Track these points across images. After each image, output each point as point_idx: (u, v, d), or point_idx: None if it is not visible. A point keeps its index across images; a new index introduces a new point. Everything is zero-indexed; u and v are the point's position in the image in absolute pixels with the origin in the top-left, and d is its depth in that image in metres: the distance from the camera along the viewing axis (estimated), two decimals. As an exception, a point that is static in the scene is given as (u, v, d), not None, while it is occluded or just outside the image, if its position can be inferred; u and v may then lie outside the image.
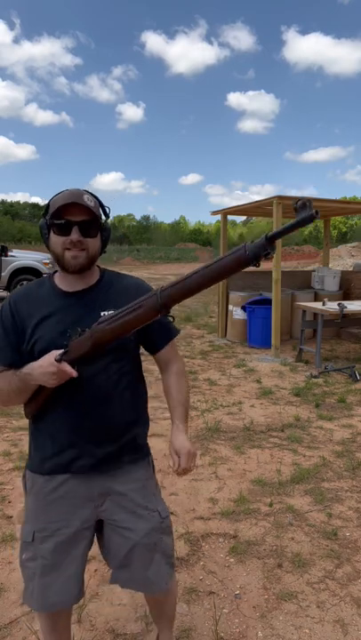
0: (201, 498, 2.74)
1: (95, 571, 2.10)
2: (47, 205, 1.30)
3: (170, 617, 1.62)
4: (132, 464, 1.40)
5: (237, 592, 2.01)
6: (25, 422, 3.91)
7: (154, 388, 3.10)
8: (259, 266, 0.98)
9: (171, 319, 1.14)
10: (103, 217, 1.33)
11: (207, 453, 3.33)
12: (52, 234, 1.28)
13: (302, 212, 0.92)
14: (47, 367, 1.19)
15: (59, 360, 1.18)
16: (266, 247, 0.96)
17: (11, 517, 2.54)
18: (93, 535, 1.41)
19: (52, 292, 1.34)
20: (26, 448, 3.37)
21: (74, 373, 1.19)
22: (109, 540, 1.39)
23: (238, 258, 0.99)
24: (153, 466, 1.50)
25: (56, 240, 1.27)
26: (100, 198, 1.35)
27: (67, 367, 1.18)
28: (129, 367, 1.36)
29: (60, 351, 1.19)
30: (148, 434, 1.48)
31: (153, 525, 1.38)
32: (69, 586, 1.35)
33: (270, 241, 0.96)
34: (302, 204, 0.91)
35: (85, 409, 1.31)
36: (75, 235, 1.25)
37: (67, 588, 1.35)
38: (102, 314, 1.27)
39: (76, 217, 1.24)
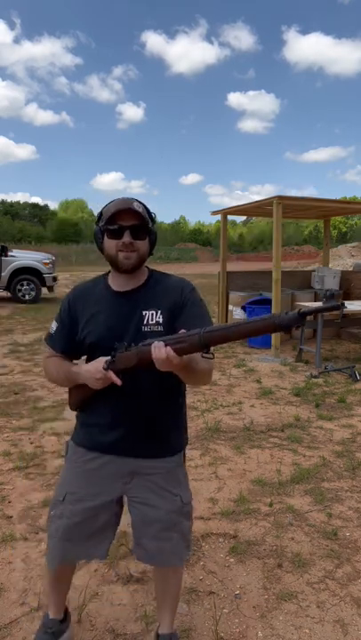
0: (201, 498, 2.74)
1: (95, 570, 2.11)
2: (100, 213, 1.44)
3: (173, 598, 1.66)
4: (159, 457, 1.51)
5: (237, 592, 2.01)
6: (25, 422, 3.93)
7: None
8: (290, 334, 1.13)
9: (211, 355, 1.23)
10: (150, 222, 1.45)
11: (207, 453, 3.33)
12: (105, 238, 1.42)
13: (331, 301, 1.18)
14: (94, 373, 1.36)
15: (105, 368, 1.33)
16: (298, 321, 1.12)
17: (11, 517, 2.54)
18: (120, 509, 1.56)
19: (104, 290, 1.49)
20: (26, 448, 3.38)
21: (119, 382, 1.33)
22: (135, 514, 1.52)
23: (269, 325, 1.15)
24: (184, 457, 1.60)
25: (110, 243, 1.41)
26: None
27: (112, 376, 1.33)
28: (169, 377, 1.41)
29: (108, 359, 1.34)
30: None
31: (174, 508, 1.50)
32: (88, 541, 1.52)
33: (302, 316, 1.11)
34: (331, 295, 1.14)
35: (126, 407, 1.44)
36: (126, 237, 1.38)
37: (85, 543, 1.51)
38: (144, 313, 1.41)
39: (127, 222, 1.38)
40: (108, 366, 1.33)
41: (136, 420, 1.46)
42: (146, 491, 1.50)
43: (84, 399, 1.49)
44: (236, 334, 1.19)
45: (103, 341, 1.39)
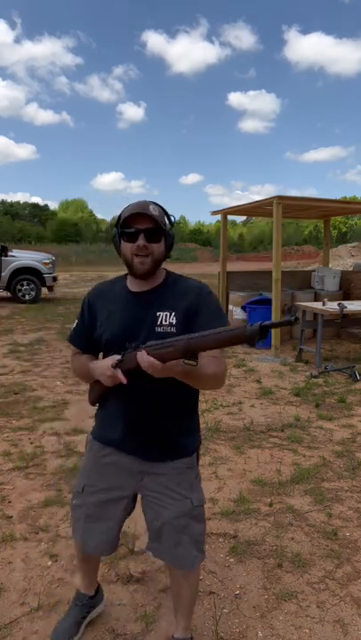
0: (201, 498, 2.74)
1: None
2: (119, 217, 1.46)
3: (189, 604, 1.66)
4: (170, 460, 1.52)
5: (237, 592, 2.02)
6: (25, 422, 3.93)
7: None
8: (254, 346, 1.14)
9: (194, 363, 1.25)
10: (168, 224, 1.47)
11: (207, 453, 3.33)
12: (122, 242, 1.44)
13: (287, 315, 1.11)
14: (105, 370, 1.40)
15: (114, 366, 1.37)
16: (260, 334, 1.13)
17: (11, 517, 2.54)
18: (133, 503, 1.61)
19: (122, 290, 1.53)
20: (25, 448, 3.38)
21: (124, 381, 1.36)
22: (146, 512, 1.57)
23: (239, 335, 1.17)
24: (198, 457, 1.61)
25: (125, 246, 1.44)
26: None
27: (119, 374, 1.36)
28: (175, 381, 1.44)
29: (118, 357, 1.38)
30: None
31: (183, 510, 1.51)
32: (105, 538, 1.60)
33: (263, 330, 1.13)
34: (289, 308, 1.14)
35: (135, 408, 1.48)
36: (141, 240, 1.40)
37: (103, 540, 1.60)
38: (158, 314, 1.43)
39: (142, 225, 1.40)
40: (117, 365, 1.37)
41: (145, 422, 1.48)
42: (157, 490, 1.52)
43: (100, 395, 1.53)
44: (212, 342, 1.21)
45: (118, 339, 1.42)
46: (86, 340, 1.57)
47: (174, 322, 1.41)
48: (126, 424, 1.50)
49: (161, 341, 1.26)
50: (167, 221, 1.47)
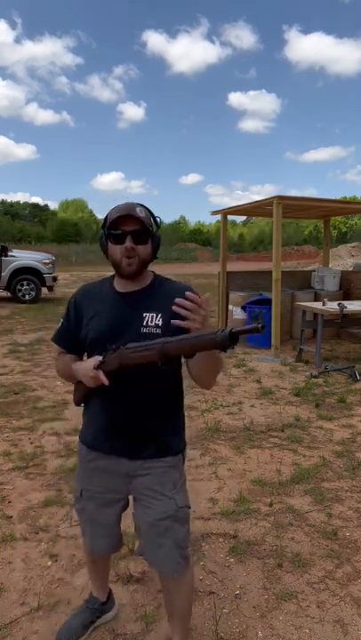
0: (201, 498, 2.74)
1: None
2: (105, 219, 1.47)
3: (182, 614, 1.64)
4: (155, 458, 1.51)
5: (237, 592, 2.02)
6: (25, 422, 3.93)
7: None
8: (226, 351, 1.16)
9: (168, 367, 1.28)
10: (154, 226, 1.48)
11: (207, 453, 3.33)
12: (109, 243, 1.45)
13: (252, 323, 1.16)
14: (87, 371, 1.40)
15: (96, 368, 1.37)
16: (231, 340, 1.14)
17: (11, 517, 2.54)
18: (127, 503, 1.62)
19: (109, 290, 1.53)
20: (25, 448, 3.38)
21: (105, 382, 1.36)
22: (134, 514, 1.57)
23: (211, 341, 1.17)
24: (183, 459, 1.61)
25: (113, 248, 1.44)
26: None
27: (101, 376, 1.36)
28: (160, 382, 1.48)
29: (100, 359, 1.38)
30: None
31: (167, 511, 1.49)
32: (108, 540, 1.65)
33: (232, 336, 1.13)
34: (255, 316, 1.18)
35: (116, 410, 1.48)
36: (128, 242, 1.41)
37: (105, 541, 1.65)
38: (144, 315, 1.44)
39: (129, 227, 1.41)
40: (99, 366, 1.38)
41: (130, 422, 1.48)
42: (141, 492, 1.52)
43: (84, 395, 1.54)
44: (187, 347, 1.22)
45: (103, 339, 1.43)
46: (71, 339, 1.57)
47: (160, 323, 1.42)
48: (111, 425, 1.50)
49: (140, 344, 1.29)
50: (153, 223, 1.48)
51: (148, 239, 1.45)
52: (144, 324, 1.42)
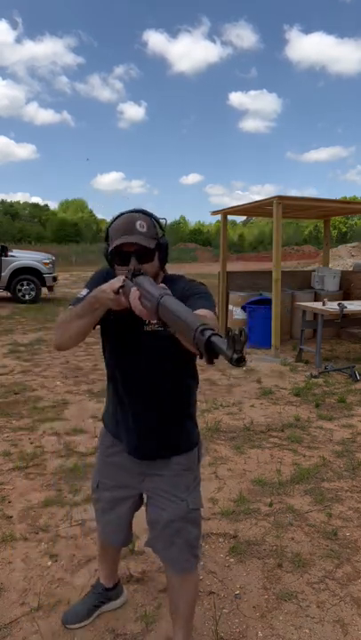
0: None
1: (95, 570, 2.10)
2: (106, 232, 1.42)
3: (186, 612, 1.64)
4: (168, 457, 1.53)
5: (237, 592, 2.02)
6: (25, 422, 3.92)
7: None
8: (200, 358, 0.88)
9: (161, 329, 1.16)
10: (160, 232, 1.43)
11: (207, 453, 3.33)
12: (115, 265, 1.41)
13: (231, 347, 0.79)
14: (112, 287, 1.24)
15: (116, 292, 1.23)
16: (204, 348, 0.84)
17: (11, 517, 2.54)
18: (140, 501, 1.65)
19: None
20: (25, 448, 3.38)
21: (125, 304, 1.20)
22: (147, 511, 1.60)
23: (189, 333, 0.89)
24: (198, 458, 1.60)
25: (119, 270, 1.39)
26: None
27: (122, 299, 1.22)
28: (172, 369, 1.46)
29: (123, 279, 1.24)
30: None
31: (179, 512, 1.51)
32: (117, 534, 1.69)
33: (208, 345, 0.83)
34: (232, 338, 0.78)
35: (128, 404, 1.49)
36: (132, 264, 1.35)
37: (116, 533, 1.69)
38: None
39: (132, 247, 1.35)
40: (118, 290, 1.23)
41: (141, 419, 1.49)
42: (155, 492, 1.55)
43: (95, 322, 1.38)
44: (173, 319, 0.95)
45: (117, 326, 1.42)
46: None
47: None
48: (122, 417, 1.53)
49: (152, 285, 1.11)
50: (159, 228, 1.44)
51: (153, 255, 1.40)
52: (147, 321, 1.37)
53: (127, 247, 1.36)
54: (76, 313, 1.34)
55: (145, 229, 1.38)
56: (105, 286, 1.27)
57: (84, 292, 1.46)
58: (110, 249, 1.38)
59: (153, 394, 1.47)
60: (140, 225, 1.38)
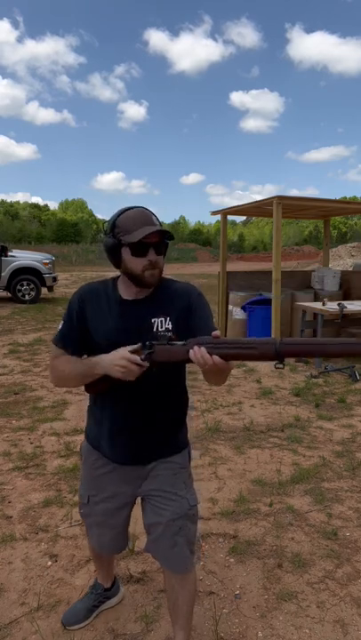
0: (201, 498, 2.74)
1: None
2: (113, 224, 1.38)
3: (186, 612, 1.64)
4: (164, 457, 1.54)
5: (237, 592, 2.02)
6: (24, 422, 3.92)
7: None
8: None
9: (282, 366, 1.21)
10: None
11: (207, 453, 3.33)
12: (126, 255, 1.38)
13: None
14: (120, 359, 1.30)
15: (143, 359, 1.29)
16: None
17: (11, 517, 2.54)
18: (134, 503, 1.63)
19: (114, 295, 1.47)
20: (25, 448, 3.38)
21: (145, 364, 1.29)
22: (146, 514, 1.58)
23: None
24: (190, 456, 1.62)
25: (133, 261, 1.37)
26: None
27: (143, 363, 1.29)
28: (173, 379, 1.51)
29: (130, 348, 1.31)
30: None
31: (180, 510, 1.52)
32: (116, 541, 1.67)
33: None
34: None
35: (128, 409, 1.47)
36: (152, 255, 1.36)
37: (114, 542, 1.67)
38: (152, 320, 1.41)
39: (152, 239, 1.35)
40: (145, 358, 1.30)
41: (141, 427, 1.49)
42: (154, 493, 1.54)
43: (98, 391, 1.46)
44: (317, 351, 1.18)
45: (111, 345, 1.37)
46: (77, 340, 1.47)
47: (170, 327, 1.41)
48: (119, 425, 1.50)
49: (234, 340, 1.23)
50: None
51: (166, 250, 1.43)
52: (154, 329, 1.41)
53: (152, 237, 1.35)
54: (80, 372, 1.41)
55: (159, 224, 1.41)
56: (111, 357, 1.32)
57: (64, 326, 1.49)
58: (138, 239, 1.32)
59: (156, 402, 1.48)
60: (155, 218, 1.40)
